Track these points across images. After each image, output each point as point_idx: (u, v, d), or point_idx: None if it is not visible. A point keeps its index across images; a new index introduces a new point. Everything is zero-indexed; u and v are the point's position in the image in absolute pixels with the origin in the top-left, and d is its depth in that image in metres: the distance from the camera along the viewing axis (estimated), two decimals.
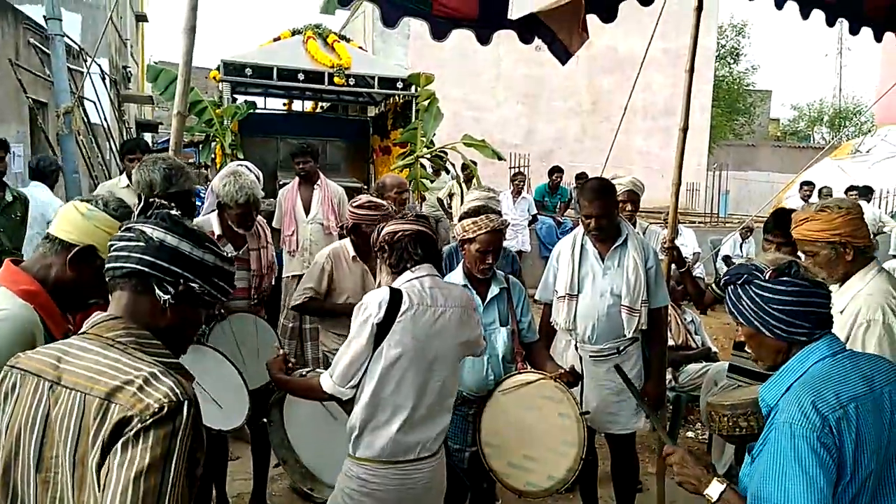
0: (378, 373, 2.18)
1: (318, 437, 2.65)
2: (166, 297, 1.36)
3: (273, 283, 3.91)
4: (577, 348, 3.37)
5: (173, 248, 1.37)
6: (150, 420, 1.19)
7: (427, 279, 2.31)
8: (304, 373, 2.45)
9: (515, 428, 2.73)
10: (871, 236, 2.59)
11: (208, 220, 3.42)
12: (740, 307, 1.73)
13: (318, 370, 2.47)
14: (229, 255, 1.52)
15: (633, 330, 3.24)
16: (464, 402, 2.85)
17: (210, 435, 2.65)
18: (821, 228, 2.46)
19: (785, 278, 1.67)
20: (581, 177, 10.22)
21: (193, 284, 1.39)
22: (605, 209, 3.23)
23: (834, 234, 2.44)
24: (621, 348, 3.30)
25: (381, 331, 2.18)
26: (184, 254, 1.38)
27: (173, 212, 1.43)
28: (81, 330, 1.37)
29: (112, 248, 1.40)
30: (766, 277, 1.68)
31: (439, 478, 2.37)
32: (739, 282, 1.73)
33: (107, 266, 1.39)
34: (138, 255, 1.36)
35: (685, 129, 3.84)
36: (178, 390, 1.25)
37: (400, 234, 2.33)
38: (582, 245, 3.36)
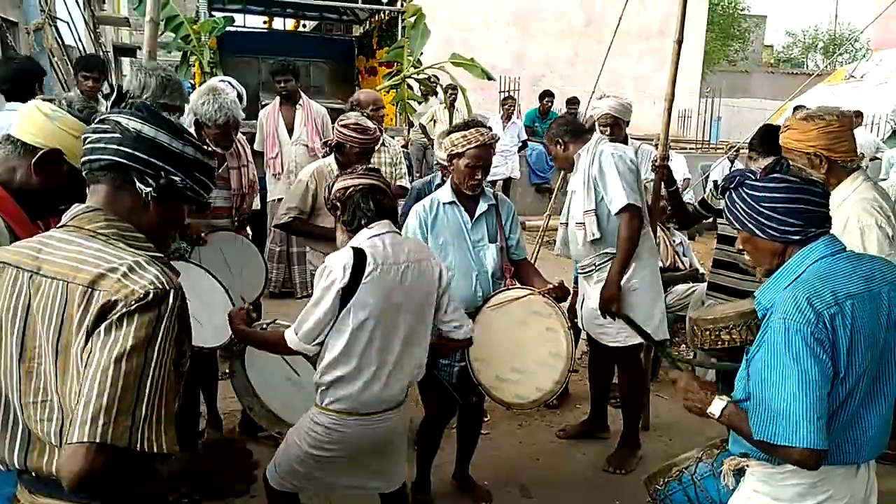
0: (345, 332, 2.17)
1: (283, 383, 2.65)
2: (148, 189, 1.31)
3: (257, 205, 3.83)
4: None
5: (151, 139, 1.32)
6: (136, 305, 1.18)
7: (387, 236, 2.26)
8: (264, 325, 2.44)
9: (504, 342, 2.74)
10: (858, 153, 2.56)
11: None
12: (735, 211, 1.73)
13: (280, 323, 2.46)
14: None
15: (583, 241, 3.29)
16: None
17: (200, 353, 2.66)
18: (797, 139, 2.47)
19: (774, 175, 1.66)
20: (572, 101, 9.98)
21: (175, 177, 1.34)
22: (548, 143, 3.42)
23: (808, 146, 2.45)
24: (597, 263, 3.33)
25: (347, 293, 2.14)
26: (163, 145, 1.33)
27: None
28: (60, 223, 1.33)
29: (87, 141, 1.34)
30: (757, 177, 1.67)
31: (402, 425, 2.41)
32: (733, 185, 1.73)
33: (83, 159, 1.34)
34: (115, 147, 1.30)
35: (680, 42, 3.72)
36: (163, 278, 1.23)
37: (351, 189, 2.28)
38: None
